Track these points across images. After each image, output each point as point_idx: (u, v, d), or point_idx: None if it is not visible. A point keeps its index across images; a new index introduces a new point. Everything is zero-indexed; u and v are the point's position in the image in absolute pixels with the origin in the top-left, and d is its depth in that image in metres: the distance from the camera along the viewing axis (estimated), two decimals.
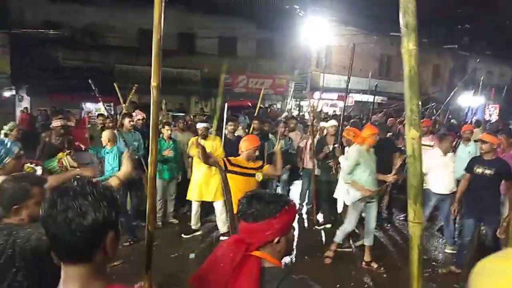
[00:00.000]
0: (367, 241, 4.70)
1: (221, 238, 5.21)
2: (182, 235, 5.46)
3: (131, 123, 5.79)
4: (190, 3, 16.92)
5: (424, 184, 5.20)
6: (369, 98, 13.65)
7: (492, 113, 16.02)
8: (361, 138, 4.57)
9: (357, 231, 5.24)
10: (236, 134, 6.13)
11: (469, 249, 4.57)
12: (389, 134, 6.65)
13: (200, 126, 5.56)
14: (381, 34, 18.77)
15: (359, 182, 4.45)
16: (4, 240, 1.52)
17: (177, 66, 17.23)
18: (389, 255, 5.10)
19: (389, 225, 6.25)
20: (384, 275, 4.50)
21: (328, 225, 6.03)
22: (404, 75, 1.05)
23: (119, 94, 6.69)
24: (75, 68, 15.48)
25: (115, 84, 6.68)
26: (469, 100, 12.87)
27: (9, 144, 2.39)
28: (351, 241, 5.23)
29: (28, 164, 3.20)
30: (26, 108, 15.17)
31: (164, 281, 4.08)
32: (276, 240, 1.39)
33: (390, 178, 4.69)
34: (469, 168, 4.53)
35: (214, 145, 5.12)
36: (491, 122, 11.75)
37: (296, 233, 5.46)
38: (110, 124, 6.21)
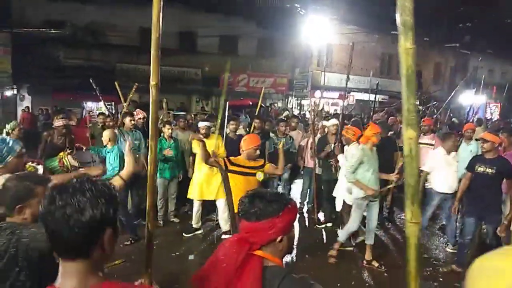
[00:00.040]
0: (368, 240, 4.70)
1: (223, 236, 5.22)
2: (183, 234, 5.46)
3: (132, 122, 5.80)
4: (190, 2, 16.93)
5: (427, 184, 5.19)
6: (370, 96, 13.64)
7: (494, 112, 15.98)
8: (365, 137, 4.57)
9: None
10: (237, 133, 6.13)
11: (470, 248, 4.57)
12: (390, 133, 6.64)
13: (201, 125, 5.55)
14: (382, 33, 18.73)
15: (362, 181, 4.45)
16: (8, 239, 1.52)
17: (177, 65, 17.24)
18: (390, 254, 5.10)
19: (390, 224, 6.25)
20: (385, 274, 4.50)
21: (329, 224, 6.04)
22: (401, 74, 1.04)
23: (120, 93, 6.70)
24: (76, 67, 15.49)
25: (116, 83, 6.69)
26: (470, 99, 12.85)
27: (11, 142, 2.37)
28: (351, 239, 5.23)
29: (30, 163, 3.21)
30: (27, 107, 15.20)
31: (165, 279, 4.08)
32: (279, 239, 1.39)
33: (393, 177, 4.69)
34: (470, 167, 4.52)
35: (216, 144, 5.10)
36: (493, 120, 11.72)
37: (297, 232, 5.46)
38: (111, 123, 6.21)
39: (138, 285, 1.23)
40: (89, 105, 15.32)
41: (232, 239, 1.45)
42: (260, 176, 3.84)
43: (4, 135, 5.30)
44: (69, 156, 3.87)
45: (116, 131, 5.41)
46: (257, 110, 7.16)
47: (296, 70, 19.91)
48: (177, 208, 6.11)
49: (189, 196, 5.52)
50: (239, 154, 4.04)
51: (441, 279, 4.44)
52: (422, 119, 7.07)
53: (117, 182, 2.02)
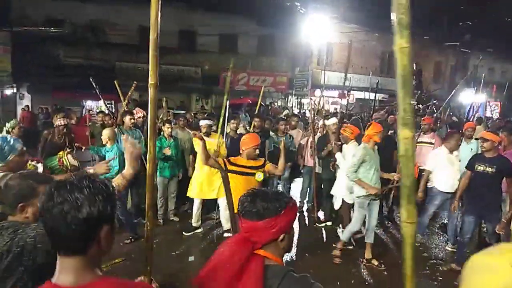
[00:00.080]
0: (368, 239, 4.70)
1: (225, 234, 5.23)
2: (183, 232, 5.47)
3: (132, 121, 5.80)
4: (190, 1, 16.91)
5: (430, 183, 5.18)
6: (371, 95, 13.64)
7: (494, 110, 15.95)
8: (367, 135, 4.56)
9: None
10: (238, 132, 6.13)
11: (470, 247, 4.57)
12: (390, 132, 6.63)
13: (203, 123, 5.52)
14: (382, 32, 18.70)
15: (364, 180, 4.45)
16: (10, 238, 1.51)
17: (177, 63, 17.24)
18: (390, 253, 5.10)
19: (389, 223, 6.25)
20: (385, 273, 4.51)
21: (329, 223, 6.04)
22: (396, 73, 1.03)
23: (119, 92, 6.70)
24: (76, 65, 15.50)
25: (115, 82, 6.68)
26: (470, 98, 12.83)
27: (12, 141, 2.36)
28: (351, 238, 5.23)
29: (30, 162, 3.20)
30: (27, 106, 15.20)
31: (164, 278, 4.08)
32: (280, 238, 1.39)
33: (394, 176, 4.69)
34: (470, 165, 4.52)
35: (218, 144, 5.08)
36: (493, 119, 11.71)
37: (296, 230, 5.47)
38: (110, 122, 6.21)
39: (135, 281, 1.23)
40: (89, 103, 15.33)
41: (234, 239, 1.44)
42: (259, 176, 3.81)
43: (4, 133, 5.30)
44: (68, 155, 3.86)
45: (115, 130, 5.41)
46: (257, 108, 7.16)
47: (296, 69, 19.90)
48: (177, 207, 6.12)
49: (188, 194, 5.51)
50: (240, 153, 4.03)
51: (440, 278, 4.44)
52: (422, 118, 7.06)
53: (119, 181, 2.00)
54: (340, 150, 5.26)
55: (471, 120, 8.43)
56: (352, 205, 5.46)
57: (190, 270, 4.41)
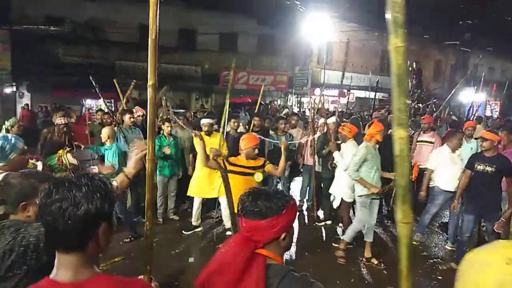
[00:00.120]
0: (368, 238, 4.70)
1: (227, 233, 5.23)
2: (183, 231, 5.46)
3: (132, 119, 5.79)
4: None
5: (432, 182, 5.18)
6: (371, 94, 13.64)
7: (494, 110, 15.95)
8: (369, 134, 4.55)
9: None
10: (238, 131, 6.13)
11: (470, 246, 4.57)
12: (390, 131, 6.63)
13: (204, 121, 5.47)
14: (382, 31, 18.66)
15: (366, 179, 4.44)
16: (12, 237, 1.50)
17: (177, 62, 17.23)
18: (389, 252, 5.10)
19: (389, 221, 6.25)
20: (384, 271, 4.51)
21: (329, 222, 6.04)
22: (391, 73, 1.03)
23: (119, 90, 6.69)
24: (75, 64, 15.49)
25: (115, 80, 6.68)
26: (470, 97, 12.83)
27: (13, 140, 2.33)
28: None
29: (29, 160, 3.19)
30: (26, 104, 15.19)
31: (164, 277, 4.08)
32: (282, 236, 1.39)
33: (393, 175, 4.69)
34: (470, 165, 4.52)
35: (220, 143, 5.04)
36: (494, 118, 11.72)
37: (296, 229, 5.47)
38: (109, 120, 6.21)
39: (133, 278, 1.23)
40: (89, 102, 15.30)
41: (235, 239, 1.43)
42: (258, 177, 3.78)
43: (3, 132, 5.29)
44: (68, 154, 3.86)
45: (115, 128, 5.41)
46: (257, 107, 7.15)
47: (296, 68, 19.89)
48: (177, 205, 6.11)
49: (189, 193, 5.49)
50: (239, 152, 4.02)
51: (440, 277, 4.44)
52: (422, 117, 7.06)
53: (121, 180, 1.98)
54: (339, 149, 5.25)
55: (471, 119, 8.43)
56: (350, 204, 5.46)
57: (190, 269, 4.41)
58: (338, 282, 4.24)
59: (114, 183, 1.90)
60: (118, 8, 16.51)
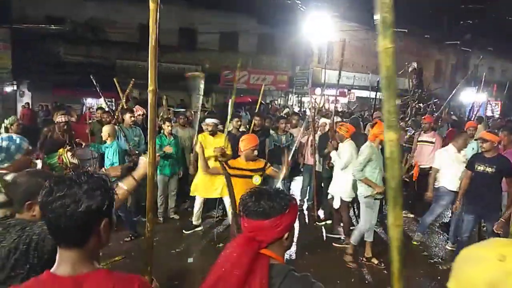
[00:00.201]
0: (368, 237, 4.70)
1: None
2: (183, 231, 5.46)
3: (132, 118, 5.79)
4: None
5: (437, 182, 5.17)
6: (371, 94, 13.63)
7: (494, 110, 15.96)
8: (373, 135, 4.55)
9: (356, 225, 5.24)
10: (240, 130, 6.13)
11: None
12: None
13: (209, 121, 5.38)
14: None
15: (370, 179, 4.44)
16: (18, 235, 1.51)
17: (178, 61, 17.21)
18: (389, 251, 5.09)
19: None
20: (385, 271, 4.51)
21: (329, 221, 6.03)
22: (380, 75, 1.00)
23: (119, 89, 6.69)
24: (76, 63, 15.49)
25: (115, 80, 6.68)
26: (471, 97, 12.83)
27: (18, 140, 2.31)
28: (349, 235, 5.23)
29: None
30: (27, 103, 15.17)
31: (164, 276, 4.08)
32: (285, 236, 1.39)
33: None
34: (470, 165, 4.51)
35: (224, 143, 4.99)
36: (494, 118, 11.73)
37: (297, 229, 5.47)
38: (108, 119, 6.21)
39: (132, 275, 1.24)
40: (89, 101, 15.31)
41: (238, 240, 1.41)
42: (257, 180, 3.71)
43: (2, 130, 5.29)
44: (68, 152, 3.86)
45: (116, 127, 5.40)
46: (257, 107, 7.14)
47: (296, 67, 19.87)
48: (177, 205, 6.12)
49: (192, 193, 5.45)
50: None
51: (439, 278, 4.44)
52: (423, 117, 7.06)
53: (129, 183, 1.96)
54: (337, 149, 5.24)
55: (472, 119, 8.43)
56: (350, 203, 5.45)
57: (190, 268, 4.42)
58: (338, 282, 4.24)
59: (123, 186, 1.90)
60: (118, 8, 16.50)
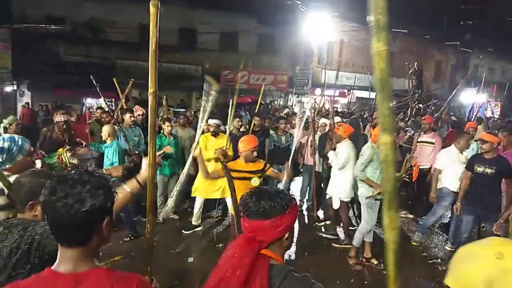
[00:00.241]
0: (367, 238, 4.70)
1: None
2: (183, 231, 5.46)
3: (132, 118, 5.79)
4: None
5: (439, 183, 5.16)
6: (372, 94, 13.63)
7: (494, 110, 15.98)
8: (375, 135, 4.55)
9: (356, 226, 5.23)
10: (240, 130, 6.13)
11: None
12: None
13: (211, 122, 5.35)
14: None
15: (371, 179, 4.43)
16: (20, 235, 1.51)
17: (178, 61, 17.22)
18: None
19: None
20: (384, 272, 4.47)
21: (328, 222, 6.03)
22: (374, 77, 1.00)
23: (118, 89, 6.69)
24: (76, 63, 15.49)
25: (114, 80, 6.68)
26: (471, 97, 12.84)
27: (20, 141, 2.29)
28: (349, 235, 5.23)
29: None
30: (27, 103, 15.15)
31: (164, 276, 4.08)
32: (286, 236, 1.39)
33: (396, 175, 4.67)
34: (470, 166, 4.51)
35: (227, 144, 4.96)
36: (494, 119, 11.74)
37: (296, 229, 5.47)
38: (107, 119, 6.20)
39: (131, 274, 1.24)
40: (89, 101, 15.30)
41: (239, 241, 1.41)
42: (255, 182, 3.68)
43: (1, 130, 5.29)
44: (68, 152, 3.86)
45: (115, 127, 5.40)
46: (257, 107, 7.14)
47: (296, 68, 19.87)
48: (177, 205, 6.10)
49: (193, 194, 5.45)
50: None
51: (439, 278, 4.44)
52: (423, 118, 7.07)
53: (133, 186, 1.93)
54: (334, 149, 5.23)
55: (472, 120, 8.44)
56: (349, 204, 5.45)
57: (189, 268, 4.41)
58: (338, 282, 4.24)
59: (126, 188, 1.90)
60: (118, 8, 16.50)
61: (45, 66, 14.95)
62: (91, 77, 6.07)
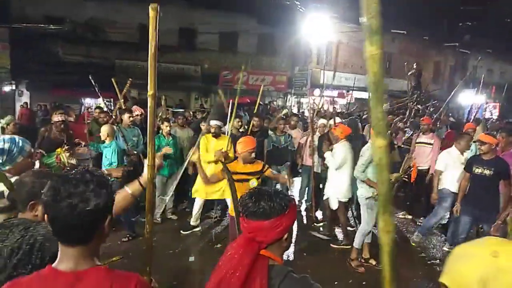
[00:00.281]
0: (366, 239, 4.70)
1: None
2: (181, 231, 5.46)
3: (131, 118, 5.78)
4: None
5: (440, 184, 5.17)
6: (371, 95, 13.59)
7: (493, 111, 16.02)
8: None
9: (355, 226, 5.24)
10: (240, 130, 6.13)
11: None
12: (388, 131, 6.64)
13: (213, 123, 5.30)
14: (382, 31, 18.70)
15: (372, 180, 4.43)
16: (21, 235, 1.51)
17: (177, 61, 17.22)
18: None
19: None
20: None
21: (325, 222, 6.03)
22: (368, 80, 0.99)
23: (117, 90, 6.69)
24: (75, 63, 15.45)
25: (113, 80, 6.68)
26: (470, 98, 12.86)
27: (21, 142, 2.27)
28: (348, 234, 5.23)
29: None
30: (26, 103, 15.12)
31: (162, 277, 4.08)
32: (285, 237, 1.39)
33: (394, 176, 4.68)
34: (468, 167, 4.52)
35: (227, 146, 4.95)
36: (493, 120, 11.76)
37: (295, 230, 5.46)
38: (105, 119, 6.19)
39: (130, 273, 1.25)
40: (88, 101, 15.29)
41: (238, 241, 1.41)
42: (253, 184, 3.67)
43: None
44: (66, 152, 3.85)
45: (114, 127, 5.39)
46: (256, 107, 7.14)
47: (295, 68, 19.88)
48: (175, 205, 6.11)
49: (194, 195, 5.43)
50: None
51: (437, 279, 4.43)
52: (422, 118, 7.08)
53: (135, 188, 1.92)
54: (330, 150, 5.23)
55: (470, 121, 8.45)
56: (346, 204, 5.45)
57: (188, 269, 4.41)
58: (336, 283, 4.24)
59: (128, 190, 1.90)
60: (118, 8, 16.49)
61: (44, 66, 14.92)
62: (90, 77, 6.07)
